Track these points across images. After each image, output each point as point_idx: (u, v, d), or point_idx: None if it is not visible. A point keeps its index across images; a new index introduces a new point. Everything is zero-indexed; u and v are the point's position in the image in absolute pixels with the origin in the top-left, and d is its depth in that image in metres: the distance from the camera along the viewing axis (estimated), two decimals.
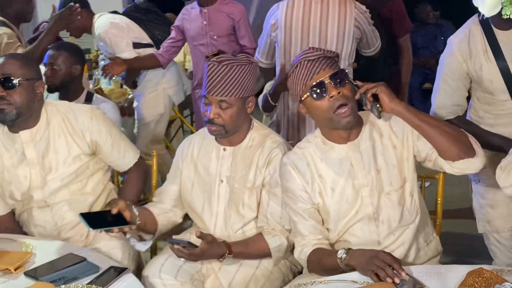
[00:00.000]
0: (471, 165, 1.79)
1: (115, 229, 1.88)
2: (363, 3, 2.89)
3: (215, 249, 1.95)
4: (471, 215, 2.49)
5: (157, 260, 2.01)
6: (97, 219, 1.88)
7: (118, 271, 1.71)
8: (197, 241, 1.93)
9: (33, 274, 1.71)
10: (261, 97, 2.93)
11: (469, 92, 2.25)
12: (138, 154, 2.34)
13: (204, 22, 3.47)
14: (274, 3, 2.91)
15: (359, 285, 1.58)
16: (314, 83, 1.79)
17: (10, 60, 2.11)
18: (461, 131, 1.81)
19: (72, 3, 3.15)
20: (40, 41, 3.02)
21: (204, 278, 2.00)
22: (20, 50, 3.04)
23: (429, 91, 6.44)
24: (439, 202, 2.17)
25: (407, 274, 1.55)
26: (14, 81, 2.07)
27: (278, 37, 2.81)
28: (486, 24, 2.08)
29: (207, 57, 2.05)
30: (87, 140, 2.18)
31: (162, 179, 2.44)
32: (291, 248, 2.02)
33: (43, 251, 1.85)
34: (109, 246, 2.08)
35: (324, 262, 1.81)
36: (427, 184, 2.30)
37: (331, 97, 1.77)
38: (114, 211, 1.89)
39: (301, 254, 1.89)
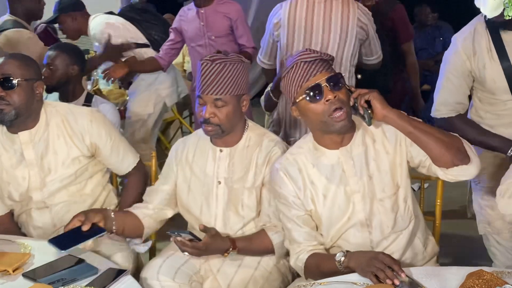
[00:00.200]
0: (465, 172, 1.76)
1: (88, 241, 1.86)
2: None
3: (219, 243, 1.95)
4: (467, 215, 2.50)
5: (155, 262, 2.00)
6: (67, 239, 1.82)
7: (117, 273, 1.70)
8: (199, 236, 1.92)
9: (31, 275, 1.70)
10: (263, 97, 2.94)
11: (470, 92, 2.25)
12: (137, 158, 2.34)
13: (202, 23, 3.47)
14: (273, 5, 2.92)
15: (359, 286, 1.58)
16: (310, 85, 1.76)
17: (9, 60, 2.11)
18: (456, 137, 1.78)
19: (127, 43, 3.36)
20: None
21: (203, 280, 2.00)
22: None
23: (428, 93, 6.49)
24: (438, 203, 2.17)
25: (406, 275, 1.55)
26: (13, 81, 2.07)
27: (281, 36, 2.82)
28: (492, 23, 2.07)
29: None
30: (87, 143, 2.18)
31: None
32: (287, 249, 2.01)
33: (42, 252, 1.84)
34: (109, 248, 2.07)
35: (322, 266, 1.80)
36: (426, 185, 2.30)
37: (327, 100, 1.74)
38: (85, 228, 1.85)
39: (297, 261, 1.88)
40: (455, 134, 1.80)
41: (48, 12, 3.59)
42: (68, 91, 2.98)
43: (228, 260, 2.00)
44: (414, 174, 1.91)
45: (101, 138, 2.20)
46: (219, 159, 2.07)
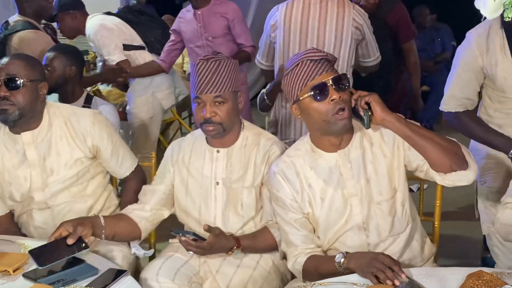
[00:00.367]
0: (463, 178, 1.75)
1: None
2: (368, 10, 2.90)
3: (223, 242, 1.95)
4: (471, 216, 2.50)
5: (154, 263, 2.00)
6: (48, 252, 1.76)
7: (117, 274, 1.70)
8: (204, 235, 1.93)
9: (32, 275, 1.70)
10: (259, 96, 2.96)
11: (480, 90, 2.24)
12: (135, 162, 2.34)
13: (199, 24, 3.49)
14: (272, 6, 2.93)
15: (359, 287, 1.58)
16: (316, 84, 1.75)
17: (14, 61, 2.10)
18: (454, 142, 1.77)
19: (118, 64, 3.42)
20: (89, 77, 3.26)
21: (202, 281, 2.00)
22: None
23: (427, 94, 6.48)
24: (437, 204, 2.17)
25: (406, 276, 1.55)
26: (18, 82, 2.06)
27: (277, 38, 2.83)
28: (508, 21, 2.06)
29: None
30: (89, 145, 2.18)
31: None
32: None
33: None
34: (109, 249, 2.07)
35: (322, 268, 1.79)
36: (425, 186, 2.31)
37: (332, 100, 1.74)
38: (70, 241, 1.79)
39: (295, 264, 1.87)
40: (453, 139, 1.79)
41: None
42: (67, 92, 2.98)
43: (227, 261, 2.01)
44: (413, 175, 1.91)
45: (103, 141, 2.20)
46: (216, 159, 2.07)
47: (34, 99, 2.10)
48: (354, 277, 1.63)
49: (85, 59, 4.05)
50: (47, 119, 2.17)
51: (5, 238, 1.99)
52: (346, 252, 1.72)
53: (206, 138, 2.11)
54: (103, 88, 4.21)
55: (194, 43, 3.55)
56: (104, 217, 2.03)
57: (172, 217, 2.22)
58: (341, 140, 1.83)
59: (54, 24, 3.91)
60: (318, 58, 1.78)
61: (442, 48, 6.03)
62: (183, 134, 5.08)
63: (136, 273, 2.08)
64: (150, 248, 2.32)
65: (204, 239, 1.90)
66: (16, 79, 2.06)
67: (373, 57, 2.87)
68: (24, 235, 2.21)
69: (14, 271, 1.72)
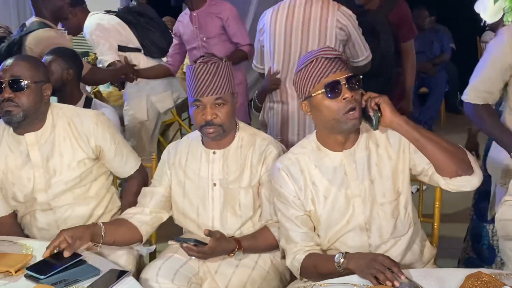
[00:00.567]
0: (467, 183, 1.77)
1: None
2: (373, 6, 2.89)
3: (225, 245, 1.96)
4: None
5: (154, 264, 2.01)
6: (45, 264, 1.76)
7: (119, 274, 1.71)
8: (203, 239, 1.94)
9: (34, 271, 1.71)
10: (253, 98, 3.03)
11: (506, 89, 2.24)
12: (139, 162, 2.35)
13: (195, 26, 3.52)
14: (272, 6, 2.96)
15: None
16: (330, 81, 1.76)
17: (19, 62, 2.11)
18: (460, 148, 1.80)
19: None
20: (101, 71, 3.37)
21: (202, 281, 2.01)
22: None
23: (426, 96, 6.47)
24: (436, 206, 2.17)
25: (406, 277, 1.56)
26: (23, 83, 2.07)
27: (264, 42, 2.89)
28: None
29: (194, 62, 2.06)
30: (92, 145, 2.19)
31: None
32: None
33: (43, 253, 1.84)
34: (113, 249, 2.08)
35: (320, 267, 1.80)
36: (424, 187, 2.31)
37: (344, 98, 1.75)
38: (67, 254, 1.78)
39: (294, 261, 1.88)
40: (459, 145, 1.81)
41: None
42: (66, 95, 2.97)
43: (225, 261, 2.02)
44: (413, 177, 1.92)
45: (106, 141, 2.21)
46: (212, 161, 2.09)
47: (38, 100, 2.11)
48: (353, 278, 1.64)
49: (86, 61, 4.05)
50: (51, 120, 2.18)
51: (6, 239, 2.00)
52: (346, 252, 1.73)
53: (202, 140, 2.12)
54: (103, 89, 4.21)
55: (191, 45, 3.58)
56: (105, 224, 2.03)
57: (172, 218, 2.23)
58: (348, 139, 1.85)
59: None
60: (332, 56, 1.79)
61: (441, 50, 6.04)
62: (183, 135, 5.08)
63: (139, 273, 2.09)
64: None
65: (205, 244, 1.91)
66: (21, 80, 2.07)
67: (362, 57, 2.87)
68: (27, 236, 2.22)
69: (16, 272, 1.72)
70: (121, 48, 3.55)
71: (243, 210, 2.07)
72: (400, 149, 1.85)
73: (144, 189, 2.20)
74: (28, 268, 1.73)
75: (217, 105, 1.98)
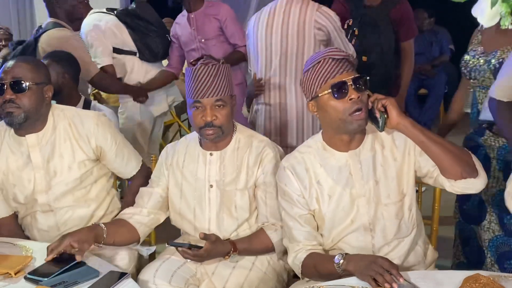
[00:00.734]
0: (472, 185, 1.79)
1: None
2: (376, 3, 2.89)
3: (220, 248, 1.97)
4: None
5: (152, 265, 2.01)
6: (46, 268, 1.76)
7: (118, 276, 1.72)
8: (199, 242, 1.95)
9: (35, 274, 1.71)
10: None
11: None
12: (140, 161, 2.35)
13: (193, 27, 3.52)
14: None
15: None
16: (336, 82, 1.77)
17: (20, 64, 2.12)
18: (465, 150, 1.82)
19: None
20: (109, 80, 3.39)
21: (199, 283, 2.01)
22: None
23: (424, 97, 6.46)
24: (436, 207, 2.18)
25: (405, 279, 1.56)
26: (24, 85, 2.08)
27: (249, 46, 2.97)
28: None
29: (192, 64, 2.07)
30: (92, 146, 2.19)
31: None
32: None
33: (43, 255, 1.84)
34: (115, 251, 2.10)
35: (320, 267, 1.81)
36: (423, 189, 2.32)
37: (350, 99, 1.76)
38: (79, 258, 1.78)
39: (295, 260, 1.89)
40: (465, 148, 1.83)
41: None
42: (63, 98, 2.97)
43: (222, 262, 2.03)
44: (417, 179, 1.92)
45: (107, 142, 2.21)
46: (209, 162, 2.10)
47: (39, 102, 2.12)
48: (352, 280, 1.64)
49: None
50: (52, 122, 2.18)
51: (6, 241, 2.01)
52: (346, 254, 1.74)
53: (199, 141, 2.13)
54: None
55: (189, 47, 3.58)
56: (106, 226, 2.04)
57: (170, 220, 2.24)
58: (353, 140, 1.86)
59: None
60: (339, 57, 1.81)
61: (440, 52, 6.05)
62: (183, 136, 5.08)
63: (138, 273, 2.10)
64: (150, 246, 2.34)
65: (200, 247, 1.92)
66: (22, 82, 2.07)
67: None
68: (28, 238, 2.22)
69: (15, 274, 1.73)
70: (116, 50, 3.55)
71: (239, 212, 2.08)
72: (405, 151, 1.86)
73: (142, 189, 2.21)
74: (28, 273, 1.73)
75: (216, 107, 1.99)
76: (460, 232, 2.54)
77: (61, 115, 2.20)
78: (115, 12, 3.66)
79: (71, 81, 2.99)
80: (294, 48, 2.80)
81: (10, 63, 2.12)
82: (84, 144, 2.18)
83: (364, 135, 1.88)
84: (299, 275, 1.92)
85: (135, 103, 3.63)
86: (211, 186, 2.09)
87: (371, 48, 3.22)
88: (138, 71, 3.60)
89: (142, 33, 3.57)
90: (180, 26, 3.61)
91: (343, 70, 1.79)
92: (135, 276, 2.00)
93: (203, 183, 2.10)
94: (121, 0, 5.95)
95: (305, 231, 1.89)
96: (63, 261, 1.78)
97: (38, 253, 1.88)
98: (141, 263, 2.25)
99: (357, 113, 1.76)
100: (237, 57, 3.50)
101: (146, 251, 2.15)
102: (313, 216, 1.90)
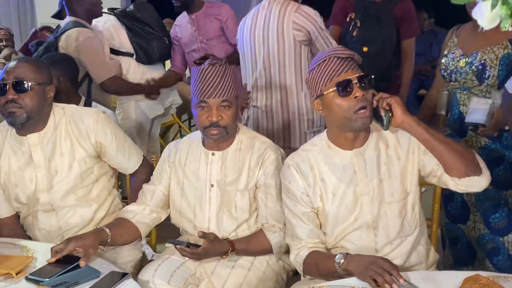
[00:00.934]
0: (476, 184, 1.80)
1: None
2: None
3: (218, 247, 1.99)
4: None
5: (151, 265, 2.02)
6: (47, 268, 1.76)
7: (119, 276, 1.72)
8: (199, 241, 1.96)
9: (37, 274, 1.72)
10: None
11: None
12: (142, 156, 2.36)
13: (194, 28, 3.53)
14: None
15: None
16: (341, 80, 1.79)
17: (22, 64, 2.13)
18: (469, 150, 1.83)
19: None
20: (123, 83, 3.39)
21: (198, 282, 2.02)
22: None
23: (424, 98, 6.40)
24: (436, 208, 2.19)
25: (405, 280, 1.57)
26: (26, 85, 2.09)
27: (238, 50, 3.01)
28: None
29: (195, 63, 2.09)
30: (92, 142, 2.19)
31: None
32: (286, 249, 2.04)
33: (44, 255, 1.85)
34: (116, 251, 2.10)
35: (321, 266, 1.82)
36: (423, 189, 2.32)
37: (355, 97, 1.78)
38: (82, 264, 1.77)
39: (297, 257, 1.90)
40: (469, 147, 1.83)
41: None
42: (62, 100, 2.96)
43: (221, 262, 2.03)
44: (421, 178, 1.92)
45: (107, 137, 2.21)
46: (211, 162, 2.11)
47: (41, 102, 2.13)
48: (352, 281, 1.65)
49: None
50: (53, 121, 2.19)
51: (7, 241, 2.01)
52: (347, 253, 1.75)
53: (202, 140, 2.14)
54: None
55: (190, 47, 3.58)
56: (111, 230, 2.03)
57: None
58: (358, 138, 1.87)
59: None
60: (345, 56, 1.82)
61: (440, 53, 6.05)
62: (183, 136, 5.09)
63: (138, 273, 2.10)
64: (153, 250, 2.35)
65: (198, 246, 1.93)
66: (24, 82, 2.08)
67: None
68: (30, 238, 2.23)
69: (17, 274, 1.73)
70: (113, 51, 3.54)
71: (239, 213, 2.09)
72: (409, 150, 1.87)
73: (144, 186, 2.22)
74: (30, 274, 1.74)
75: (222, 107, 2.01)
76: (448, 232, 2.55)
77: (61, 114, 2.21)
78: (115, 12, 3.66)
79: (68, 83, 2.98)
80: (275, 50, 2.80)
81: (12, 63, 2.13)
82: (84, 141, 2.19)
83: (369, 133, 1.89)
84: (301, 273, 1.93)
85: (131, 104, 3.61)
86: (212, 185, 2.10)
87: (373, 39, 3.21)
88: (134, 72, 3.58)
89: (139, 35, 3.56)
90: (180, 27, 3.62)
91: (348, 69, 1.80)
92: (135, 276, 2.01)
93: (204, 182, 2.11)
94: (122, 0, 5.96)
95: (308, 229, 1.90)
96: (65, 262, 1.78)
97: (39, 253, 1.88)
98: (142, 263, 2.26)
99: (361, 111, 1.78)
100: (238, 57, 3.51)
101: (151, 254, 2.15)
102: (316, 214, 1.91)
